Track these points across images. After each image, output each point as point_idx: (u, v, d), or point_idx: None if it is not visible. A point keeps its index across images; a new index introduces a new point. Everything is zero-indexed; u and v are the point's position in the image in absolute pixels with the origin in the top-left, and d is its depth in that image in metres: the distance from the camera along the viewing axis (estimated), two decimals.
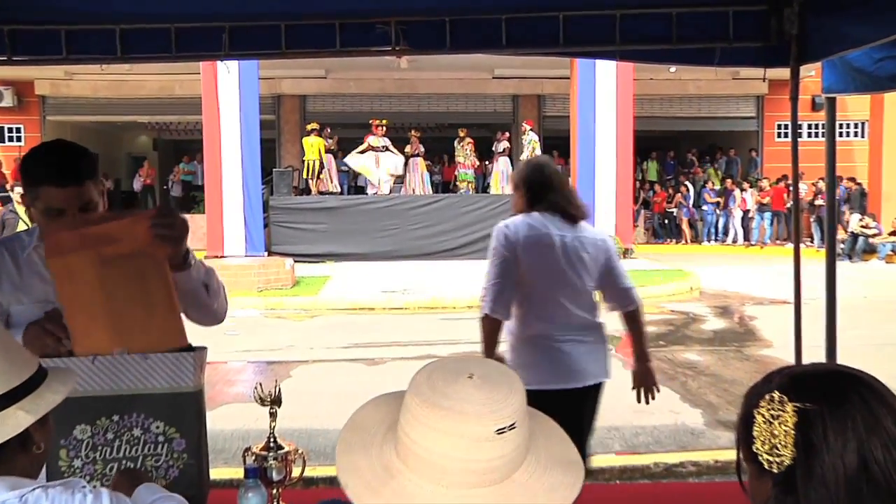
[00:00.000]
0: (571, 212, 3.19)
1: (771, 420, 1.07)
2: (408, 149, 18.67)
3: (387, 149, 17.35)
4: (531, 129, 17.77)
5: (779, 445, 1.05)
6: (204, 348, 2.07)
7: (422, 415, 1.04)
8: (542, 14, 3.24)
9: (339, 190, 17.95)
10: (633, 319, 3.38)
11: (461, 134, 18.59)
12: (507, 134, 18.56)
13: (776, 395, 1.08)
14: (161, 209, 2.09)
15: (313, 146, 17.09)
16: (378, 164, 17.27)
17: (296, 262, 13.23)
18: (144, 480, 1.63)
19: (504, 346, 3.16)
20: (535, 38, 3.23)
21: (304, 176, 17.18)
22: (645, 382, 3.28)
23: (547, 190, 3.17)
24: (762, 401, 1.09)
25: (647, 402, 3.26)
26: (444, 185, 21.71)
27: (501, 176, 18.11)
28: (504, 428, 1.02)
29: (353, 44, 3.30)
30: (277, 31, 3.41)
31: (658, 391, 3.30)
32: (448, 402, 1.03)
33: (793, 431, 1.05)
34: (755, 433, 1.08)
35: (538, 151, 17.41)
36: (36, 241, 2.13)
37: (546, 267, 3.08)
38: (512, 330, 3.14)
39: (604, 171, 16.37)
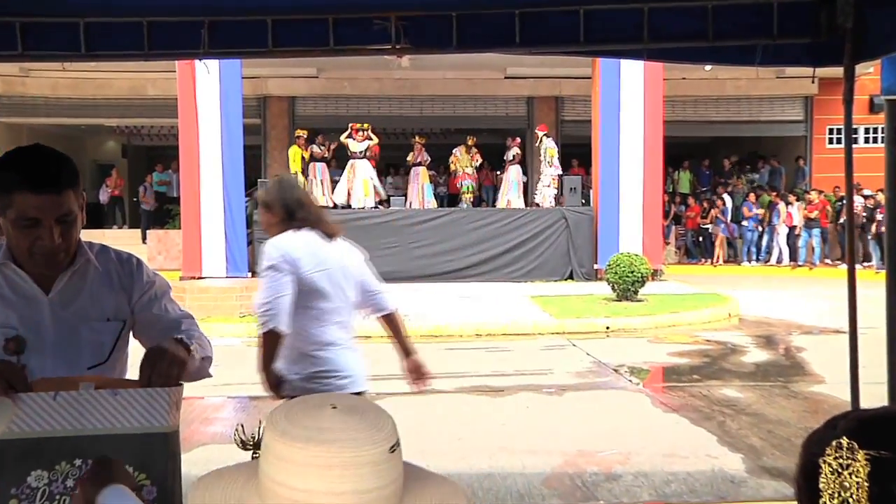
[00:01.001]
0: (326, 229, 3.78)
1: (840, 470, 1.05)
2: (410, 157, 18.76)
3: (364, 155, 17.45)
4: (546, 135, 17.81)
5: (850, 499, 1.04)
6: (180, 384, 2.07)
7: (290, 453, 1.06)
8: (561, 8, 3.26)
9: (331, 204, 18.02)
10: (393, 320, 4.12)
11: (469, 143, 18.67)
12: (519, 140, 18.65)
13: (845, 441, 1.07)
14: (154, 370, 2.02)
15: (295, 157, 17.32)
16: (354, 174, 17.38)
17: None
18: (118, 478, 1.57)
19: (281, 361, 3.59)
20: (552, 36, 3.25)
21: None
22: (421, 372, 3.93)
23: (301, 208, 3.74)
24: (828, 448, 1.08)
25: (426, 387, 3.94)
26: (451, 199, 21.78)
27: (510, 187, 18.16)
28: (394, 445, 1.08)
29: (349, 41, 3.32)
30: (263, 26, 3.43)
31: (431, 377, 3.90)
32: (322, 434, 1.07)
33: (866, 483, 1.03)
34: (822, 486, 1.07)
35: (556, 161, 17.46)
36: (1, 258, 2.14)
37: (322, 281, 3.63)
38: (290, 343, 3.58)
39: (629, 182, 16.40)
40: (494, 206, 18.77)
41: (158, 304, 2.35)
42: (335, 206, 17.94)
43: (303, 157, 17.45)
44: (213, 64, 13.79)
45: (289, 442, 1.07)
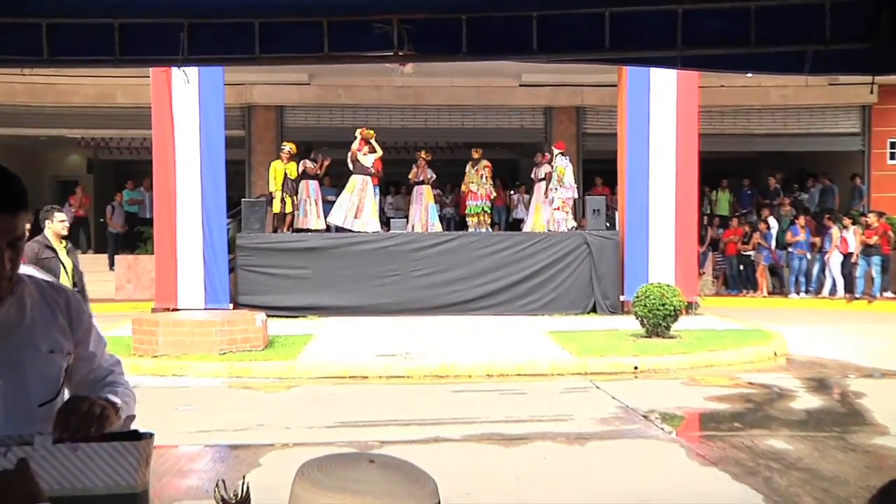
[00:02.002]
0: None
1: None
2: (412, 174, 18.82)
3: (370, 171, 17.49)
4: (562, 154, 17.87)
5: None
6: (150, 436, 2.06)
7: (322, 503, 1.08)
8: (584, 11, 3.28)
9: (323, 226, 18.07)
10: None
11: (475, 155, 18.74)
12: (549, 156, 18.70)
13: None
14: (67, 426, 2.01)
15: (276, 173, 17.39)
16: (365, 192, 17.41)
17: (269, 316, 13.25)
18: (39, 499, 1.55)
19: None
20: (574, 41, 3.27)
21: (275, 210, 17.37)
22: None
23: None
24: None
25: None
26: (459, 221, 21.81)
27: (544, 209, 18.20)
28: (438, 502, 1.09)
29: (346, 47, 3.35)
30: (250, 29, 3.45)
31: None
32: (357, 485, 1.09)
33: None
34: None
35: (569, 179, 17.49)
36: None
37: None
38: None
39: (660, 203, 16.42)
40: (517, 229, 18.77)
41: (94, 343, 2.38)
42: (328, 229, 18.01)
43: (286, 174, 17.46)
44: (193, 71, 13.90)
45: (321, 491, 1.09)
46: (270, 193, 17.78)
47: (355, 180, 17.47)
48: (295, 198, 17.59)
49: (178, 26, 3.40)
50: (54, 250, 8.33)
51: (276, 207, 17.36)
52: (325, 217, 18.16)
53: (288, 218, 17.59)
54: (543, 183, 18.39)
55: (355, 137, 17.71)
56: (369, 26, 3.27)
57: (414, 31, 3.24)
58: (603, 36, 3.19)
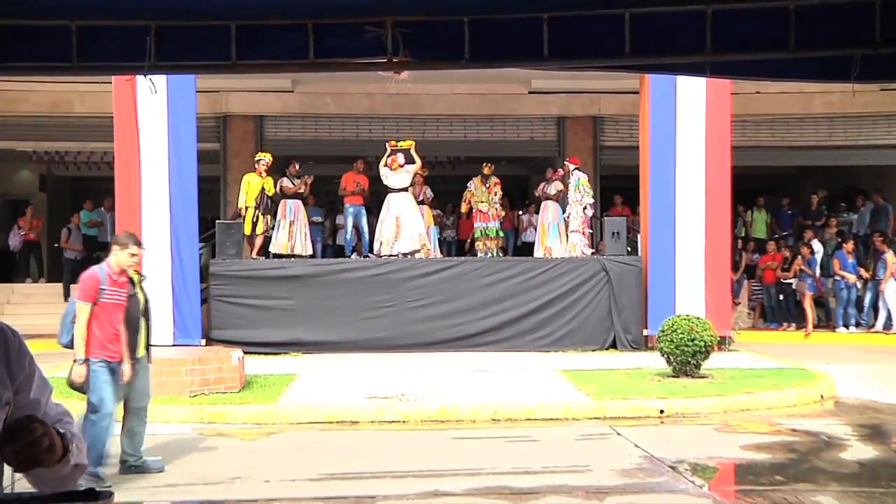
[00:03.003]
0: None
1: None
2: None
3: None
4: (578, 169, 17.90)
5: None
6: (109, 495, 2.06)
7: None
8: (601, 13, 3.30)
9: (309, 251, 18.08)
10: None
11: (486, 171, 18.76)
12: (561, 172, 18.73)
13: None
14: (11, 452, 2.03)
15: (249, 188, 17.36)
16: (388, 210, 17.51)
17: (246, 354, 13.22)
18: None
19: None
20: (590, 46, 3.28)
21: (247, 231, 17.30)
22: None
23: None
24: None
25: None
26: (460, 245, 21.84)
27: (549, 230, 18.18)
28: None
29: (334, 52, 3.36)
30: (226, 33, 3.47)
31: None
32: None
33: None
34: None
35: (587, 198, 17.50)
36: None
37: None
38: None
39: (688, 224, 16.44)
40: (527, 254, 18.77)
41: (38, 389, 2.35)
42: (312, 256, 18.02)
43: (263, 189, 17.43)
44: (161, 79, 13.97)
45: None
46: (239, 210, 17.70)
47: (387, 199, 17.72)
48: (270, 218, 17.56)
49: (143, 29, 3.41)
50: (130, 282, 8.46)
51: (247, 228, 17.28)
52: (313, 241, 18.21)
53: (258, 240, 17.51)
54: (550, 203, 18.39)
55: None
56: (360, 29, 3.29)
57: (410, 34, 3.26)
58: (623, 40, 3.21)
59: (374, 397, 12.04)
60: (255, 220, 17.33)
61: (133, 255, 8.19)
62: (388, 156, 17.59)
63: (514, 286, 16.62)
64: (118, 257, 8.15)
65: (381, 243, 17.34)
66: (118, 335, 8.11)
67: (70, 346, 8.11)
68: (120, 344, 8.12)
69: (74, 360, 8.07)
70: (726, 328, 16.31)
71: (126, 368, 8.19)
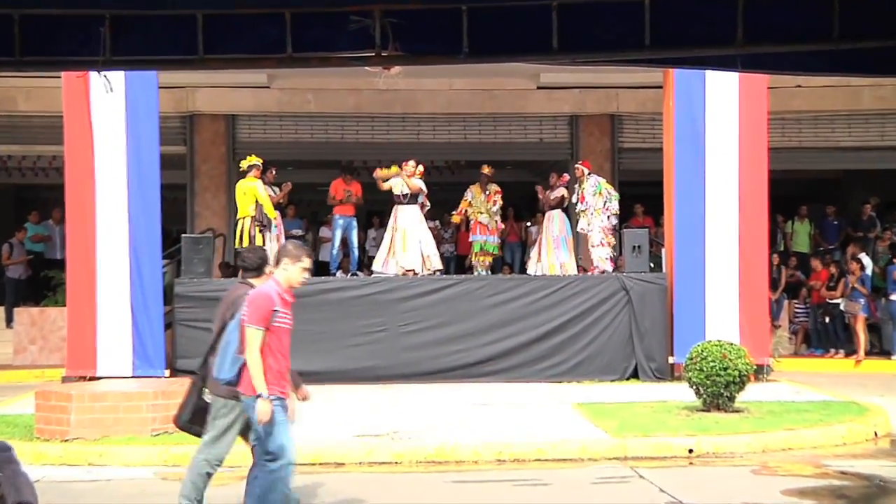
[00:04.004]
0: None
1: None
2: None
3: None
4: (591, 173, 17.81)
5: None
6: None
7: None
8: (617, 1, 3.28)
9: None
10: None
11: (485, 170, 18.67)
12: (567, 177, 18.68)
13: None
14: None
15: (245, 193, 17.09)
16: (396, 223, 17.52)
17: None
18: None
19: None
20: (604, 39, 3.27)
21: (237, 245, 17.21)
22: None
23: None
24: None
25: None
26: (460, 261, 21.78)
27: (558, 243, 18.10)
28: None
29: (314, 46, 3.35)
30: (192, 23, 3.46)
31: None
32: None
33: None
34: None
35: (613, 202, 17.42)
36: None
37: None
38: None
39: (719, 237, 16.42)
40: (527, 272, 18.72)
41: None
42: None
43: (257, 199, 17.13)
44: (118, 75, 13.95)
45: None
46: (236, 223, 17.35)
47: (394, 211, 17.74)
48: (268, 233, 17.25)
49: (97, 20, 3.40)
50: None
51: (240, 240, 16.93)
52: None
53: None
54: (557, 213, 18.20)
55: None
56: (344, 20, 3.29)
57: (401, 25, 3.25)
58: (642, 31, 3.20)
59: (362, 435, 11.99)
60: (251, 234, 16.96)
61: (305, 269, 7.77)
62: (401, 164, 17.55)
63: (522, 308, 16.58)
64: (289, 273, 7.68)
65: (384, 260, 17.26)
66: (289, 366, 7.68)
67: (234, 383, 7.54)
68: (289, 376, 7.72)
69: (257, 397, 7.33)
70: (764, 355, 16.25)
71: (292, 405, 7.77)
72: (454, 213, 19.18)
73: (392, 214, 17.63)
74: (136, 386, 13.34)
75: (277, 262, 7.72)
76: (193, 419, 7.98)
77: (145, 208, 15.98)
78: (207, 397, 7.89)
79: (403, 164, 17.51)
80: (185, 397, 8.12)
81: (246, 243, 16.89)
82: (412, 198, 17.51)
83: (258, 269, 8.20)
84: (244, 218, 17.00)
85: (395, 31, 3.42)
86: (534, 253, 18.72)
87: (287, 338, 7.61)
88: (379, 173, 17.71)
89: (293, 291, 7.76)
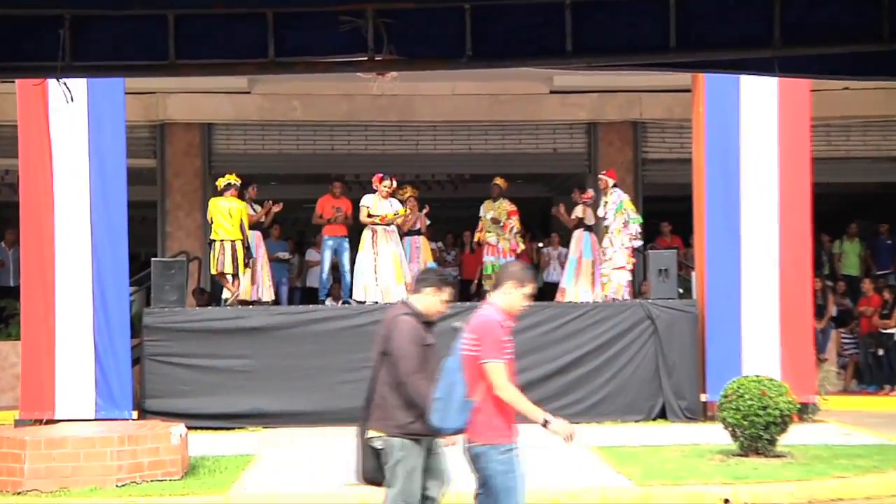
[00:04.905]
0: None
1: None
2: (399, 220, 18.81)
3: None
4: (615, 186, 17.81)
5: None
6: None
7: None
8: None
9: (271, 296, 18.01)
10: None
11: (498, 182, 18.67)
12: (591, 193, 18.67)
13: None
14: None
15: (230, 214, 17.06)
16: (376, 247, 17.41)
17: (190, 429, 13.16)
18: None
19: None
20: (624, 41, 3.26)
21: (213, 271, 17.18)
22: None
23: None
24: None
25: None
26: (464, 286, 21.76)
27: (583, 268, 18.08)
28: None
29: (300, 49, 3.35)
30: (162, 25, 3.47)
31: None
32: None
33: None
34: None
35: (633, 225, 17.41)
36: None
37: None
38: None
39: (757, 258, 16.40)
40: (550, 298, 18.68)
41: None
42: (277, 301, 17.96)
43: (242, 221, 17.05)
44: (80, 83, 13.93)
45: None
46: (210, 245, 17.26)
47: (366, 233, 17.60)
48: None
49: (56, 21, 3.40)
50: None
51: (215, 265, 16.84)
52: (276, 283, 18.11)
53: (242, 283, 17.12)
54: (586, 234, 18.23)
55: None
56: (333, 20, 3.29)
57: (396, 26, 3.25)
58: (666, 32, 3.19)
59: (355, 484, 11.93)
60: (234, 259, 16.83)
61: (528, 297, 7.45)
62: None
63: (535, 339, 16.47)
64: (512, 298, 7.38)
65: (364, 287, 17.23)
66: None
67: (462, 431, 7.25)
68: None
69: (544, 424, 7.11)
70: (809, 392, 16.20)
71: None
72: (476, 231, 19.20)
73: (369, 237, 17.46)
74: (100, 430, 13.29)
75: (497, 286, 7.48)
76: (377, 468, 7.89)
77: (110, 229, 15.94)
78: (377, 441, 7.76)
79: (374, 181, 17.47)
80: (358, 447, 8.00)
81: (216, 269, 16.81)
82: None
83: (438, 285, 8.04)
84: (227, 241, 16.90)
85: (390, 32, 3.42)
86: (568, 279, 18.60)
87: (510, 371, 7.33)
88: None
89: (515, 317, 7.48)
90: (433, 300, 7.87)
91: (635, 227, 17.45)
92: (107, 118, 15.96)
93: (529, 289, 7.37)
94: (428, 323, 7.97)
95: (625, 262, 17.35)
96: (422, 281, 7.99)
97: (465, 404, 7.12)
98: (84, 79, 13.01)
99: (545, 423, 7.04)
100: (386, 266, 17.15)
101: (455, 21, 3.36)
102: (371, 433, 7.77)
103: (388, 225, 17.27)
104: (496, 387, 7.05)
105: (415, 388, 7.44)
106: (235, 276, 16.94)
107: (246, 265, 16.97)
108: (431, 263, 18.92)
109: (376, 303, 17.10)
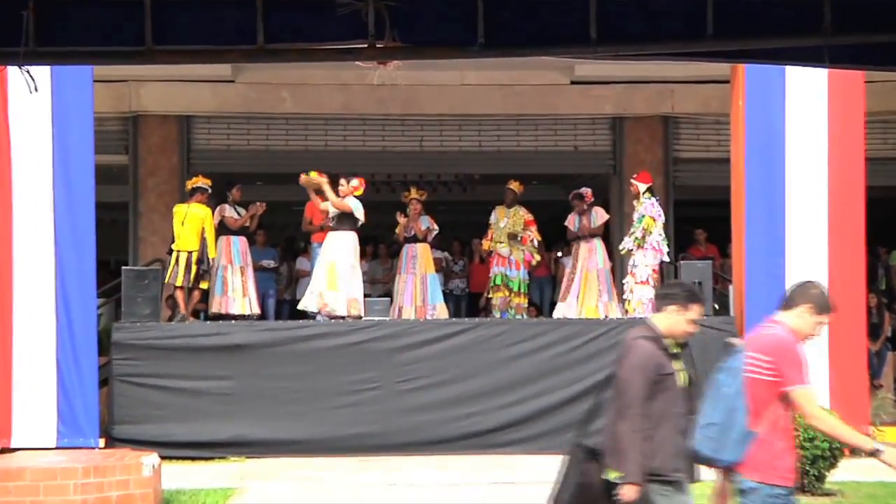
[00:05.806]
0: None
1: None
2: (399, 227, 18.84)
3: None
4: (649, 190, 17.80)
5: None
6: None
7: None
8: None
9: (256, 310, 18.03)
10: None
11: (512, 187, 18.72)
12: (589, 196, 18.67)
13: None
14: None
15: (185, 221, 17.16)
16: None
17: (164, 459, 13.19)
18: None
19: None
20: (655, 28, 3.26)
21: (167, 279, 17.19)
22: None
23: None
24: None
25: None
26: (472, 300, 21.77)
27: (599, 279, 18.09)
28: None
29: (291, 35, 3.36)
30: (138, 7, 3.48)
31: None
32: None
33: None
34: None
35: (658, 238, 17.42)
36: None
37: None
38: None
39: (802, 270, 16.21)
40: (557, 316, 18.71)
41: None
42: (261, 317, 17.98)
43: (203, 227, 17.24)
44: (43, 71, 13.91)
45: None
46: (170, 254, 17.46)
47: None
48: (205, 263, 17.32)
49: (18, 2, 3.42)
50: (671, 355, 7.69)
51: (179, 279, 17.04)
52: (262, 295, 18.12)
53: (196, 294, 17.35)
54: (592, 244, 18.21)
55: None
56: (329, 3, 3.30)
57: (400, 10, 3.25)
58: (703, 17, 3.19)
59: None
60: (199, 269, 17.03)
61: (821, 324, 7.17)
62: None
63: (552, 360, 16.47)
64: (805, 322, 7.09)
65: (316, 293, 17.15)
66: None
67: (736, 465, 6.90)
68: None
69: (873, 453, 6.68)
70: (862, 422, 16.14)
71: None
72: (484, 239, 19.18)
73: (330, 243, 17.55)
74: (62, 460, 13.31)
75: (789, 306, 7.11)
76: None
77: (76, 233, 15.93)
78: (613, 477, 7.40)
79: (343, 180, 17.45)
80: (561, 475, 7.71)
81: (171, 278, 16.92)
82: (343, 221, 17.42)
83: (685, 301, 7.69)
84: (182, 252, 17.19)
85: (393, 16, 3.44)
86: (577, 292, 18.55)
87: None
88: (305, 179, 17.73)
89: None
90: (678, 319, 7.56)
91: (657, 238, 17.43)
92: (73, 111, 15.93)
93: (826, 319, 7.12)
94: (673, 346, 7.66)
95: (648, 277, 17.34)
96: (664, 297, 7.73)
97: (747, 435, 6.83)
98: (49, 66, 13.01)
99: (875, 452, 6.65)
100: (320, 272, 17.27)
101: (466, 4, 3.37)
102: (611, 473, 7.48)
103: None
104: (809, 415, 6.84)
105: (623, 425, 7.26)
106: (192, 290, 17.08)
107: (201, 278, 17.09)
108: (433, 275, 18.89)
109: (375, 320, 17.10)
